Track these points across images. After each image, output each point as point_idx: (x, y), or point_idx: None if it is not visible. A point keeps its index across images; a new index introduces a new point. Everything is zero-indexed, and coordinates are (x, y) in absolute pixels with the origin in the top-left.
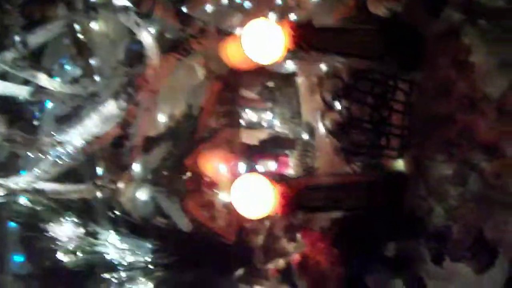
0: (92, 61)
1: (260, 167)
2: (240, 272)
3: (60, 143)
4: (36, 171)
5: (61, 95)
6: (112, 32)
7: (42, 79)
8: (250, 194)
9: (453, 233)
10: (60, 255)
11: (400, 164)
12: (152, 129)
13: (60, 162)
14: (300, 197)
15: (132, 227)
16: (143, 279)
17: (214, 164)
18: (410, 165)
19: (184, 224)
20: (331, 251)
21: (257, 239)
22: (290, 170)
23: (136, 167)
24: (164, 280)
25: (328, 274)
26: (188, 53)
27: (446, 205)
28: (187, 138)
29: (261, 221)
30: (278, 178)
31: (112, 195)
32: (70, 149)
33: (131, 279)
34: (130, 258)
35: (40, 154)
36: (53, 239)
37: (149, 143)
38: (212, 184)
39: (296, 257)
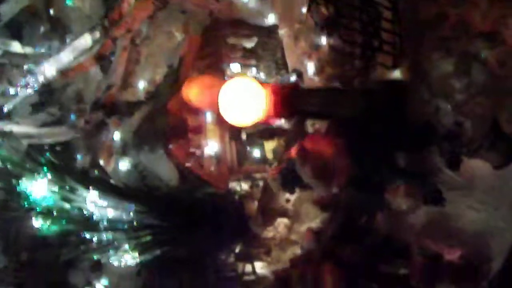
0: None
1: None
2: (237, 247)
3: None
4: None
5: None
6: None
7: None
8: (240, 98)
9: (466, 128)
10: (35, 222)
11: (397, 74)
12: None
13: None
14: (294, 100)
15: (114, 189)
16: (126, 245)
17: (200, 91)
18: (407, 71)
19: (171, 176)
20: (336, 143)
21: (253, 205)
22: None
23: (116, 136)
24: (150, 246)
25: (333, 163)
26: (166, 3)
27: (453, 102)
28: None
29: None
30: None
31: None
32: (41, 79)
33: (114, 242)
34: (111, 216)
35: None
36: (27, 200)
37: (130, 108)
38: (198, 130)
39: (297, 147)
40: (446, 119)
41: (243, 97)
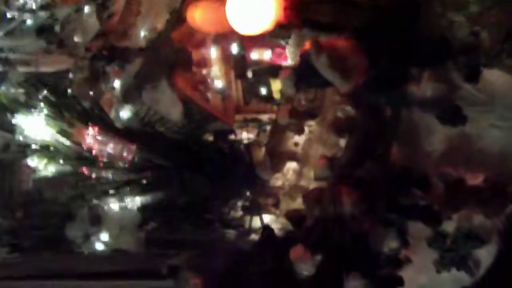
0: None
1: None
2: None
3: None
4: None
5: None
6: None
7: None
8: (248, 5)
9: (482, 38)
10: (30, 161)
11: None
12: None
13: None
14: (304, 7)
15: (115, 128)
16: (127, 189)
17: (205, 10)
18: None
19: (175, 110)
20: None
21: (260, 152)
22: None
23: (117, 84)
24: (151, 188)
25: (350, 57)
26: None
27: (467, 13)
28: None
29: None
30: None
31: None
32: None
33: (114, 184)
34: (111, 153)
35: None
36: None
37: (130, 55)
38: (202, 63)
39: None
40: (461, 31)
41: (251, 4)
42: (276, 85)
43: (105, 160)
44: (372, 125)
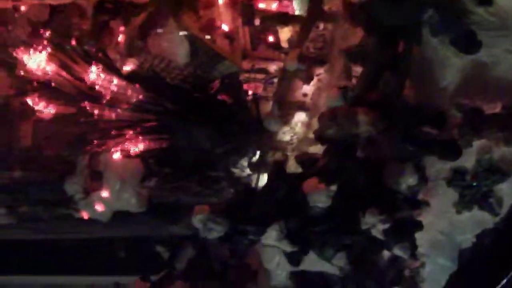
0: None
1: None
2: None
3: None
4: None
5: None
6: None
7: None
8: None
9: None
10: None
11: None
12: None
13: None
14: None
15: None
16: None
17: None
18: None
19: (182, 50)
20: None
21: (267, 105)
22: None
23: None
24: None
25: None
26: None
27: None
28: None
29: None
30: None
31: None
32: None
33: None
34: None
35: None
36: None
37: (135, 8)
38: (209, 4)
39: None
40: None
41: None
42: (284, 34)
43: (108, 97)
44: (385, 54)
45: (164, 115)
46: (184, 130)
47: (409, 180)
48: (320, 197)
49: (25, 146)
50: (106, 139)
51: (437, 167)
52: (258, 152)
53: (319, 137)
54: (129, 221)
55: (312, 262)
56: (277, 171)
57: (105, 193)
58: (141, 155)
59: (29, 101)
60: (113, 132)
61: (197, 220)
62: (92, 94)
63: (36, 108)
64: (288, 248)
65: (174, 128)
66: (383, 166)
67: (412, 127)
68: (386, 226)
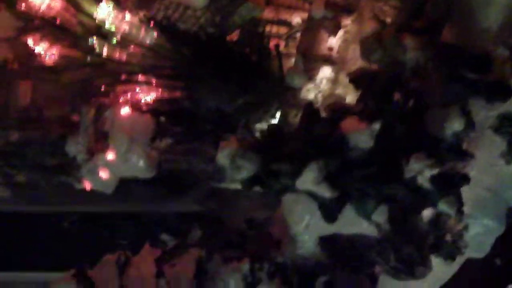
0: None
1: None
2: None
3: None
4: None
5: None
6: None
7: None
8: None
9: None
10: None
11: None
12: None
13: None
14: None
15: None
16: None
17: None
18: None
19: None
20: None
21: (288, 62)
22: None
23: None
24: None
25: None
26: None
27: None
28: None
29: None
30: None
31: None
32: None
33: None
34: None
35: None
36: None
37: None
38: None
39: None
40: None
41: None
42: None
43: (119, 37)
44: None
45: (180, 62)
46: (201, 81)
47: (455, 125)
48: (361, 136)
49: (24, 105)
50: (115, 85)
51: (483, 114)
52: (278, 112)
53: (354, 79)
54: (131, 195)
55: (345, 223)
56: (309, 112)
57: (110, 155)
58: (152, 110)
59: (30, 41)
60: (123, 77)
61: (223, 156)
62: (101, 32)
63: (38, 51)
64: (327, 192)
65: (191, 77)
66: (426, 110)
67: (457, 67)
68: (434, 172)
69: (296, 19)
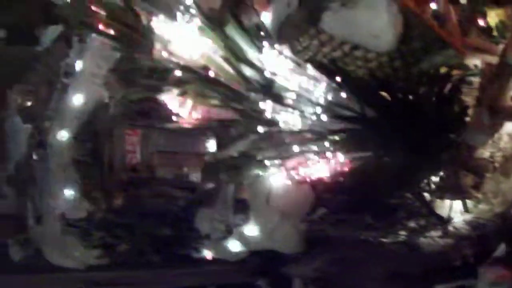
0: None
1: None
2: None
3: None
4: None
5: None
6: None
7: None
8: None
9: None
10: None
11: None
12: None
13: None
14: None
15: None
16: None
17: None
18: None
19: (389, 30)
20: None
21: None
22: None
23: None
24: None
25: None
26: None
27: None
28: None
29: None
30: None
31: None
32: None
33: None
34: None
35: None
36: None
37: None
38: None
39: None
40: None
41: None
42: (491, 18)
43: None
44: None
45: (361, 122)
46: (383, 143)
47: None
48: None
49: (132, 163)
50: (283, 158)
51: None
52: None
53: None
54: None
55: None
56: None
57: (251, 230)
58: (314, 180)
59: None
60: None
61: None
62: (271, 91)
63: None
64: None
65: (371, 140)
66: None
67: None
68: None
69: (473, 61)
